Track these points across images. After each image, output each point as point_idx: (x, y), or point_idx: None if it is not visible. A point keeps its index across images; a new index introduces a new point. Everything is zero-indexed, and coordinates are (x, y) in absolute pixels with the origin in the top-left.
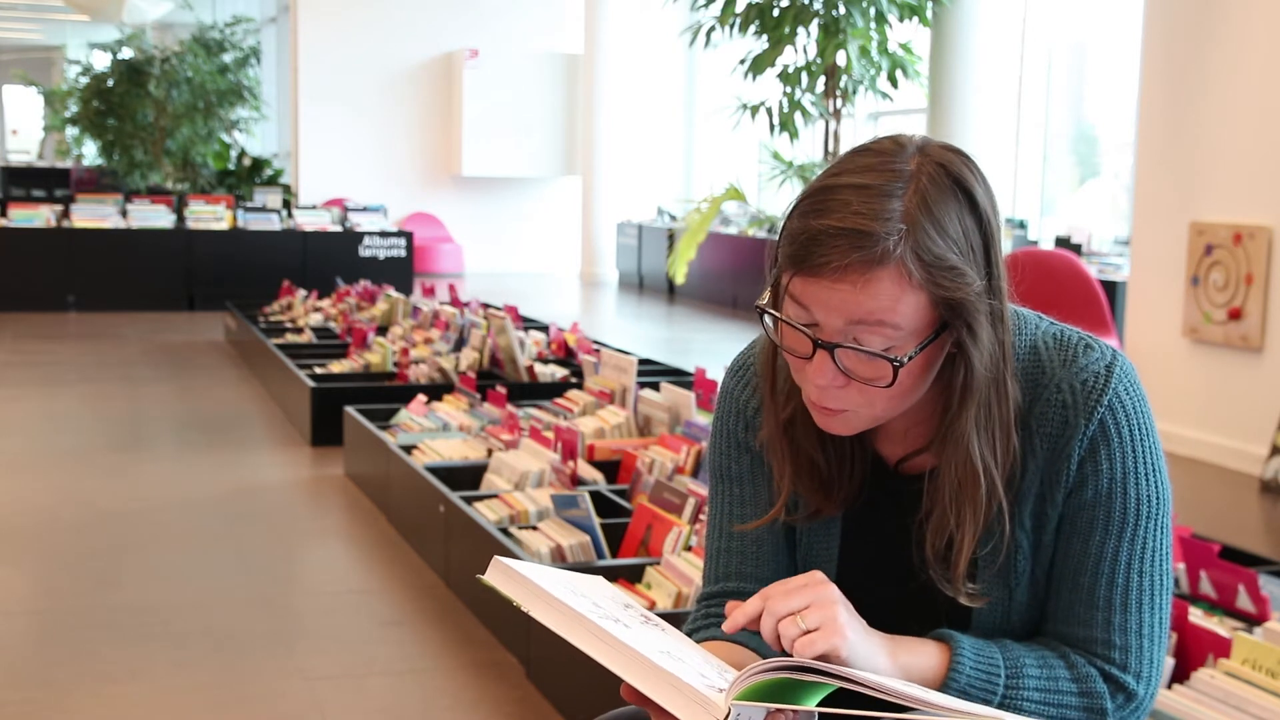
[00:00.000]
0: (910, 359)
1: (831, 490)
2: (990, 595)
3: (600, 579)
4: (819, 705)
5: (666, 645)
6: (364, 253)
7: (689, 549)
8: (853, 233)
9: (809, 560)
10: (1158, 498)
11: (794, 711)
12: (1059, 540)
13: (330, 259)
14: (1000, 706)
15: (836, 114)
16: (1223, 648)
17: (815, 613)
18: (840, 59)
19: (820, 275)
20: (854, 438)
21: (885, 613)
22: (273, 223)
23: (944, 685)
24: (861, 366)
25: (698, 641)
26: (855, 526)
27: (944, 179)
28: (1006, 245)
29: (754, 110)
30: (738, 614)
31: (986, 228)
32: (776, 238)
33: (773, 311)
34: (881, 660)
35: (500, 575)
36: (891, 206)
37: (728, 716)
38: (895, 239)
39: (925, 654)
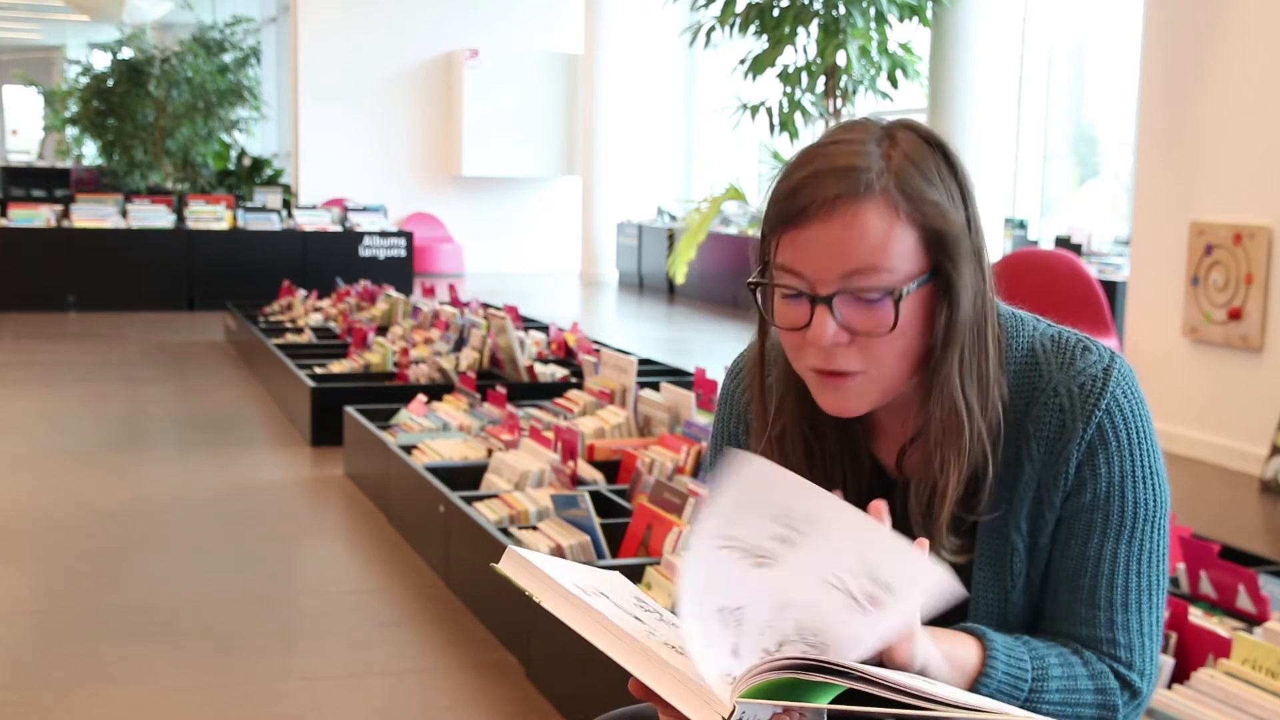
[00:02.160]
0: (909, 293)
1: None
2: (970, 553)
3: (618, 575)
4: (829, 704)
5: (677, 644)
6: (364, 253)
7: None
8: (838, 170)
9: None
10: (1155, 500)
11: (801, 713)
12: (1056, 542)
13: (330, 259)
14: (1023, 705)
15: (836, 114)
16: (1223, 648)
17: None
18: (840, 59)
19: (810, 218)
20: (846, 445)
21: None
22: (273, 223)
23: (977, 682)
24: (860, 317)
25: None
26: None
27: (919, 140)
28: (1007, 245)
29: (754, 110)
30: None
31: (963, 180)
32: (763, 211)
33: (765, 281)
34: (930, 648)
35: (513, 565)
36: (872, 150)
37: (733, 714)
38: (878, 172)
39: (963, 645)
